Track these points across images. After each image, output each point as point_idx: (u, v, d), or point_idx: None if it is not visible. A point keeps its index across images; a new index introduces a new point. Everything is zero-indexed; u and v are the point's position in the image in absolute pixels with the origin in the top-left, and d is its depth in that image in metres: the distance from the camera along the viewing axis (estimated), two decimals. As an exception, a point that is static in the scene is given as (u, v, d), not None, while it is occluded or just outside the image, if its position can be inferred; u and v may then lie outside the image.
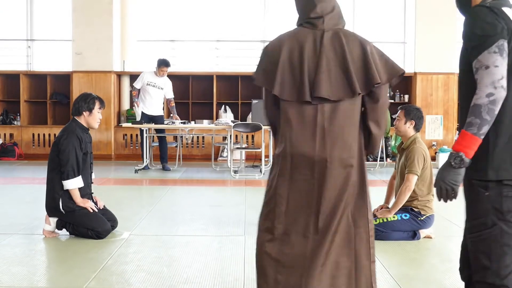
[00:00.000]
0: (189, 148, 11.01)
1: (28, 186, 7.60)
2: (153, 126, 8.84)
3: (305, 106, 2.34)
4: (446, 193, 2.08)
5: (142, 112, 9.00)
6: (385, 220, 4.49)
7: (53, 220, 4.55)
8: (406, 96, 11.57)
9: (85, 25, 10.78)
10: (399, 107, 4.79)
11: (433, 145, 11.11)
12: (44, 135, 11.12)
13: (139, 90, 9.05)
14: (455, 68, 11.06)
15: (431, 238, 4.57)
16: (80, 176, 4.50)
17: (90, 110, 4.58)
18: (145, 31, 11.79)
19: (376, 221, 4.51)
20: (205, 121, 10.05)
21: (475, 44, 2.00)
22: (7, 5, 11.74)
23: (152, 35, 11.80)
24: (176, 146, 9.81)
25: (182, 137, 9.90)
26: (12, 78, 11.34)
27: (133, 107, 9.20)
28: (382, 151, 9.93)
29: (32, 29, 11.71)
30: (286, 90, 2.36)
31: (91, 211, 4.49)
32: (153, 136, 9.32)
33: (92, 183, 4.78)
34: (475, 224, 2.10)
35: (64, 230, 4.58)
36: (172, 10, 11.78)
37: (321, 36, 2.41)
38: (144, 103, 9.02)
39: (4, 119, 11.35)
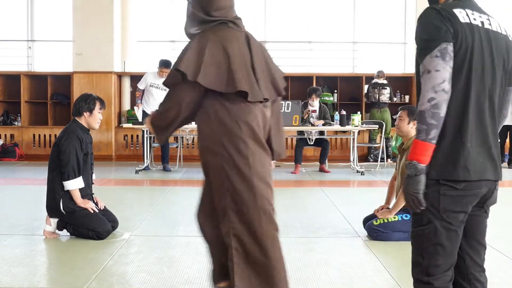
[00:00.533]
0: (189, 148, 11.01)
1: (28, 186, 7.61)
2: (153, 126, 8.83)
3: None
4: (413, 203, 2.04)
5: (145, 112, 9.01)
6: (385, 221, 4.49)
7: (54, 221, 4.55)
8: (407, 97, 11.56)
9: (85, 25, 10.78)
10: (400, 108, 4.78)
11: (434, 145, 11.09)
12: (44, 135, 11.12)
13: (143, 90, 9.07)
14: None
15: None
16: (81, 177, 4.50)
17: (91, 110, 4.58)
18: (146, 31, 11.79)
19: (376, 221, 4.52)
20: (206, 122, 10.04)
21: (421, 48, 2.02)
22: (8, 6, 11.75)
23: (152, 35, 11.80)
24: (177, 147, 9.81)
25: (182, 137, 9.91)
26: (12, 79, 11.35)
27: (134, 108, 9.19)
28: (383, 152, 9.92)
29: (33, 29, 11.72)
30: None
31: (92, 211, 4.49)
32: (154, 136, 9.32)
33: (92, 183, 4.78)
34: (414, 220, 2.13)
35: (64, 230, 4.59)
36: (173, 10, 11.78)
37: (247, 38, 2.85)
38: (147, 104, 9.04)
39: (5, 120, 11.36)
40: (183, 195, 6.86)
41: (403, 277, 3.60)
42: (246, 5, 11.70)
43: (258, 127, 2.71)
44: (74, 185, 4.46)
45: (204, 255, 4.08)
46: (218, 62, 2.65)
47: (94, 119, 4.61)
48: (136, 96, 9.18)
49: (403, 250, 4.27)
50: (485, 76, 2.04)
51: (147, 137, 8.90)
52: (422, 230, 2.07)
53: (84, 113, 4.58)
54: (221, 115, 2.65)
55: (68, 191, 4.47)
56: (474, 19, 2.04)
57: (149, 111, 9.01)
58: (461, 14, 2.02)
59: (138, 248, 4.29)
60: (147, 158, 8.99)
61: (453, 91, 1.99)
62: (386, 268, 3.77)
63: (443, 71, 1.96)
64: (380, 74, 10.60)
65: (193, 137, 10.63)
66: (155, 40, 11.77)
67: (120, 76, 11.26)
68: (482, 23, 2.05)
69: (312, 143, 9.15)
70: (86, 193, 4.61)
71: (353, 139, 9.11)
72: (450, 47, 1.97)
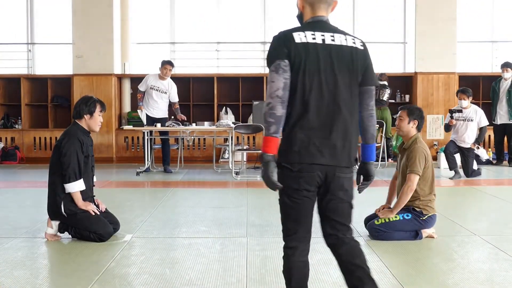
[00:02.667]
0: (190, 150, 11.00)
1: (30, 189, 7.61)
2: (153, 128, 8.85)
3: None
4: (268, 185, 2.53)
5: (146, 115, 9.02)
6: (387, 220, 4.49)
7: (55, 223, 4.55)
8: (407, 96, 11.56)
9: (85, 28, 10.79)
10: (399, 107, 4.78)
11: (434, 144, 11.10)
12: (45, 138, 11.13)
13: (143, 92, 9.08)
14: (456, 68, 11.08)
15: (433, 237, 4.57)
16: (82, 179, 4.50)
17: (91, 113, 4.58)
18: (146, 33, 11.79)
19: (378, 221, 4.51)
20: (206, 123, 10.07)
21: (267, 65, 2.56)
22: (8, 9, 11.76)
23: (152, 37, 11.81)
24: (178, 148, 9.81)
25: (183, 139, 9.90)
26: (13, 82, 11.35)
27: (138, 111, 9.20)
28: (383, 151, 9.92)
29: (33, 32, 11.72)
30: None
31: (93, 214, 4.49)
32: (154, 138, 9.33)
33: (93, 186, 4.78)
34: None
35: (66, 233, 4.58)
36: (173, 12, 11.78)
37: None
38: (148, 106, 9.06)
39: (5, 123, 11.36)
40: (184, 197, 6.86)
41: (405, 276, 3.59)
42: (244, 6, 11.72)
43: None
44: (75, 187, 4.46)
45: (206, 256, 4.08)
46: None
47: (94, 122, 4.61)
48: (138, 98, 9.19)
49: (405, 250, 4.27)
50: (323, 81, 2.52)
51: (147, 139, 8.90)
52: (279, 202, 2.63)
53: (85, 116, 4.57)
54: None
55: (69, 193, 4.47)
56: (314, 38, 2.53)
57: (149, 113, 9.02)
58: (299, 36, 2.53)
59: (140, 250, 4.28)
60: (148, 160, 8.99)
61: (294, 94, 2.51)
62: (388, 268, 3.76)
63: (277, 82, 2.48)
64: (382, 77, 10.65)
65: (194, 139, 10.63)
66: (155, 42, 11.78)
67: (120, 78, 11.26)
68: (323, 40, 2.54)
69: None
70: (87, 195, 4.60)
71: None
72: (283, 63, 2.49)
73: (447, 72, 11.07)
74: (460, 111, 8.33)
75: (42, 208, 6.05)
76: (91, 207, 4.52)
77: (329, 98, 2.53)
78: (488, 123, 8.54)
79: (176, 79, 10.39)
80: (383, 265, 3.83)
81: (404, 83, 11.64)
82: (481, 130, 8.39)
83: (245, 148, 9.69)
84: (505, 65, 9.92)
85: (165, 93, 9.05)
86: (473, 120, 8.29)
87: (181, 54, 11.77)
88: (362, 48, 2.62)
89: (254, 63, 11.57)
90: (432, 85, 11.12)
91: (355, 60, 2.58)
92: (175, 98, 9.16)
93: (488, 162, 10.21)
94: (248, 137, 10.70)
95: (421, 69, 11.10)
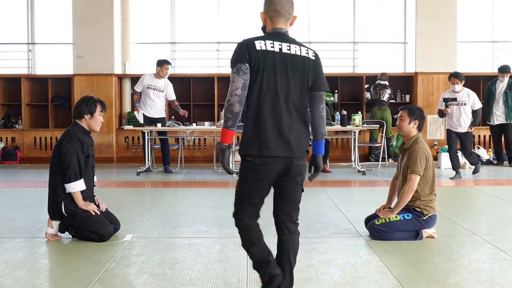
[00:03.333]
0: (190, 150, 11.01)
1: (30, 189, 7.61)
2: (154, 128, 8.85)
3: None
4: (224, 170, 3.03)
5: (144, 115, 9.01)
6: (387, 220, 4.49)
7: (56, 223, 4.55)
8: (408, 96, 11.56)
9: (85, 28, 10.79)
10: (400, 107, 4.77)
11: (435, 144, 11.10)
12: (45, 138, 11.13)
13: (140, 93, 9.06)
14: (456, 68, 11.07)
15: (434, 238, 4.56)
16: (82, 179, 4.50)
17: (92, 113, 4.58)
18: (146, 33, 11.80)
19: (378, 221, 4.51)
20: (207, 123, 10.07)
21: (230, 67, 2.94)
22: (8, 9, 11.76)
23: (153, 37, 11.81)
24: (178, 148, 9.81)
25: (183, 139, 9.90)
26: (13, 82, 11.36)
27: (134, 112, 9.19)
28: (384, 151, 9.92)
29: (33, 32, 11.73)
30: None
31: (93, 214, 4.49)
32: (155, 138, 9.33)
33: (94, 186, 4.78)
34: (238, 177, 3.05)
35: (66, 233, 4.58)
36: (173, 12, 11.78)
37: None
38: (145, 106, 9.03)
39: (6, 123, 11.37)
40: (185, 197, 6.85)
41: (406, 276, 3.59)
42: (245, 6, 11.72)
43: None
44: (75, 187, 4.46)
45: (206, 256, 4.08)
46: None
47: (95, 122, 4.61)
48: (134, 99, 9.17)
49: (405, 250, 4.26)
50: (278, 84, 2.91)
51: (148, 139, 8.90)
52: (237, 187, 3.02)
53: (85, 116, 4.57)
54: None
55: (69, 193, 4.47)
56: (272, 47, 2.93)
57: (147, 113, 9.01)
58: (260, 44, 2.92)
59: (140, 250, 4.28)
60: (148, 160, 8.99)
61: (252, 94, 2.90)
62: (388, 268, 3.76)
63: (237, 82, 2.86)
64: (383, 77, 10.66)
65: (194, 139, 10.63)
66: (155, 42, 11.78)
67: (120, 78, 11.26)
68: (280, 49, 2.94)
69: (313, 144, 9.13)
70: (88, 195, 4.60)
71: (354, 139, 9.10)
72: (244, 66, 2.87)
73: (447, 72, 11.01)
74: (454, 99, 8.34)
75: (43, 208, 6.04)
76: (91, 207, 4.52)
77: (282, 99, 2.92)
78: (481, 106, 8.52)
79: (177, 79, 10.42)
80: (383, 265, 3.83)
81: (404, 83, 11.63)
82: (476, 112, 8.39)
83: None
84: (503, 70, 9.87)
85: (162, 91, 9.05)
86: (467, 103, 8.31)
87: (182, 54, 11.78)
88: (313, 58, 3.03)
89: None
90: (433, 85, 11.12)
91: (307, 68, 2.98)
92: (172, 96, 9.16)
93: (488, 163, 10.21)
94: (249, 137, 10.68)
95: (422, 69, 11.10)
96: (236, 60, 2.89)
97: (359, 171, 8.98)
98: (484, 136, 11.26)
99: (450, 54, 11.01)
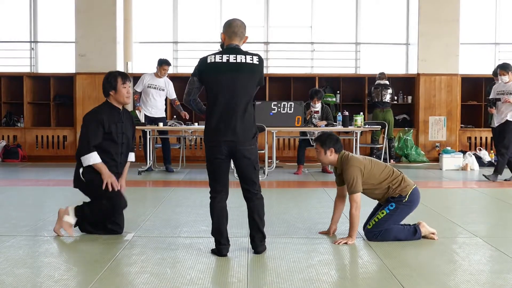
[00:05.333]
0: (192, 149, 11.01)
1: (31, 188, 7.62)
2: (156, 127, 8.85)
3: None
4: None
5: (145, 115, 9.01)
6: (376, 220, 4.45)
7: (72, 209, 4.54)
8: (410, 98, 11.56)
9: (88, 27, 10.80)
10: (313, 140, 4.73)
11: (436, 146, 11.10)
12: (47, 137, 11.14)
13: (140, 93, 9.06)
14: (459, 70, 11.07)
15: (434, 239, 4.55)
16: (96, 152, 4.48)
17: (115, 88, 4.58)
18: (148, 32, 11.81)
19: (369, 224, 4.49)
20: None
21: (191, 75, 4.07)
22: (11, 7, 11.78)
23: (155, 36, 11.82)
24: (179, 148, 9.81)
25: (185, 138, 9.91)
26: (15, 80, 11.37)
27: (136, 112, 9.19)
28: (385, 152, 9.91)
29: (36, 31, 11.75)
30: None
31: (110, 188, 4.47)
32: (156, 137, 9.33)
33: (122, 163, 4.74)
34: None
35: (67, 233, 4.57)
36: (175, 11, 11.79)
37: None
38: (146, 106, 9.03)
39: (8, 121, 11.38)
40: (186, 196, 6.86)
41: (406, 278, 3.59)
42: (248, 6, 11.73)
43: None
44: (89, 160, 4.47)
45: (207, 256, 4.08)
46: None
47: (121, 95, 4.60)
48: (135, 99, 9.16)
49: (406, 251, 4.26)
50: (225, 86, 3.92)
51: (149, 138, 8.90)
52: (206, 168, 4.09)
53: (110, 92, 4.59)
54: None
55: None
56: (220, 59, 3.97)
57: (147, 113, 9.01)
58: (210, 58, 4.00)
59: (141, 249, 4.29)
60: (149, 159, 8.99)
61: (209, 94, 4.00)
62: (389, 269, 3.76)
63: (191, 86, 4.10)
64: (381, 76, 10.65)
65: (195, 138, 10.63)
66: (158, 41, 11.79)
67: (122, 77, 11.25)
68: (228, 60, 3.96)
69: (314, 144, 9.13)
70: (112, 171, 4.58)
71: (356, 139, 9.09)
72: (195, 78, 4.07)
73: (449, 73, 11.06)
74: (498, 99, 8.18)
75: (44, 206, 6.06)
76: (112, 180, 4.49)
77: (229, 97, 3.92)
78: None
79: (179, 78, 10.42)
80: (384, 267, 3.83)
81: (406, 85, 11.63)
82: None
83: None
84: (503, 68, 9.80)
85: (163, 90, 9.06)
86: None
87: (184, 53, 11.78)
88: (257, 62, 4.01)
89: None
90: (435, 87, 11.11)
91: (249, 71, 3.97)
92: (173, 95, 9.16)
93: (490, 164, 10.20)
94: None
95: (424, 71, 11.10)
96: (194, 72, 4.10)
97: (360, 172, 8.96)
98: (486, 138, 11.26)
99: (453, 56, 11.01)
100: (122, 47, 11.24)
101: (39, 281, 3.51)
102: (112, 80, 4.59)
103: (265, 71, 11.34)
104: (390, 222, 4.45)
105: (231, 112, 3.90)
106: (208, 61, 3.98)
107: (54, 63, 11.65)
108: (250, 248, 4.19)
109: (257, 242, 4.10)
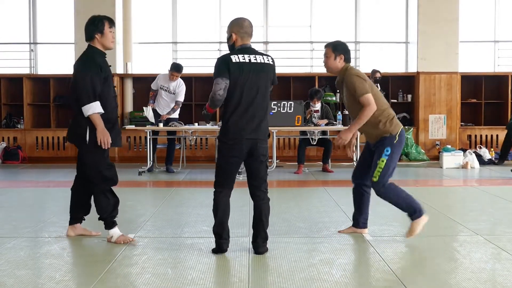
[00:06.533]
0: (192, 149, 11.01)
1: (32, 189, 7.62)
2: (155, 128, 8.85)
3: None
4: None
5: (156, 112, 9.04)
6: (380, 171, 4.31)
7: (111, 229, 4.46)
8: (409, 96, 11.55)
9: (87, 28, 10.78)
10: (325, 45, 4.60)
11: (437, 144, 11.09)
12: (47, 138, 11.14)
13: (156, 91, 9.13)
14: (458, 68, 11.07)
15: (408, 236, 4.46)
16: (98, 102, 4.33)
17: (101, 31, 4.52)
18: (148, 33, 11.80)
19: (375, 177, 4.34)
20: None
21: (214, 75, 4.04)
22: (10, 9, 11.77)
23: (154, 37, 11.82)
24: (180, 148, 9.81)
25: (185, 139, 9.91)
26: (15, 82, 11.37)
27: (144, 108, 9.18)
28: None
29: (35, 32, 11.74)
30: None
31: (104, 147, 4.35)
32: (157, 138, 9.32)
33: (117, 107, 4.64)
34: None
35: (67, 234, 4.58)
36: (175, 12, 11.79)
37: None
38: (158, 105, 9.15)
39: (8, 123, 11.38)
40: (187, 196, 6.86)
41: (407, 275, 3.59)
42: (247, 5, 11.73)
43: None
44: (89, 110, 4.28)
45: (208, 256, 4.08)
46: None
47: (107, 39, 4.53)
48: (150, 95, 9.22)
49: (407, 249, 4.27)
50: (248, 85, 4.00)
51: (150, 138, 8.90)
52: (217, 163, 4.15)
53: (96, 36, 4.51)
54: None
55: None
56: (243, 58, 4.03)
57: (160, 112, 9.06)
58: (234, 58, 4.01)
59: (142, 249, 4.29)
60: (150, 160, 9.00)
61: (231, 95, 4.01)
62: (389, 267, 3.76)
63: (220, 85, 4.00)
64: (375, 75, 10.62)
65: (196, 138, 10.63)
66: (157, 42, 11.78)
67: (122, 78, 11.27)
68: (250, 60, 4.04)
69: (315, 143, 9.15)
70: (113, 116, 4.48)
71: (356, 138, 9.08)
72: (225, 77, 3.98)
73: (449, 72, 11.06)
74: None
75: (45, 207, 6.05)
76: (106, 138, 4.33)
77: (253, 96, 4.03)
78: None
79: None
80: (385, 264, 3.83)
81: (406, 83, 11.63)
82: None
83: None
84: None
85: (173, 93, 9.08)
86: None
87: (183, 54, 11.78)
88: (272, 63, 4.16)
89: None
90: (434, 85, 11.11)
91: (268, 71, 4.10)
92: (179, 98, 9.13)
93: (490, 162, 10.20)
94: (250, 137, 10.67)
95: (423, 69, 11.09)
96: (217, 73, 4.01)
97: (360, 171, 8.96)
98: (486, 136, 11.26)
99: (452, 54, 11.01)
100: (122, 48, 11.24)
101: (40, 282, 3.51)
102: (99, 23, 4.51)
103: (264, 71, 11.38)
104: (392, 165, 4.34)
105: (254, 110, 4.02)
106: (233, 60, 4.00)
107: (54, 64, 11.64)
108: (251, 247, 4.19)
109: (260, 242, 4.13)
